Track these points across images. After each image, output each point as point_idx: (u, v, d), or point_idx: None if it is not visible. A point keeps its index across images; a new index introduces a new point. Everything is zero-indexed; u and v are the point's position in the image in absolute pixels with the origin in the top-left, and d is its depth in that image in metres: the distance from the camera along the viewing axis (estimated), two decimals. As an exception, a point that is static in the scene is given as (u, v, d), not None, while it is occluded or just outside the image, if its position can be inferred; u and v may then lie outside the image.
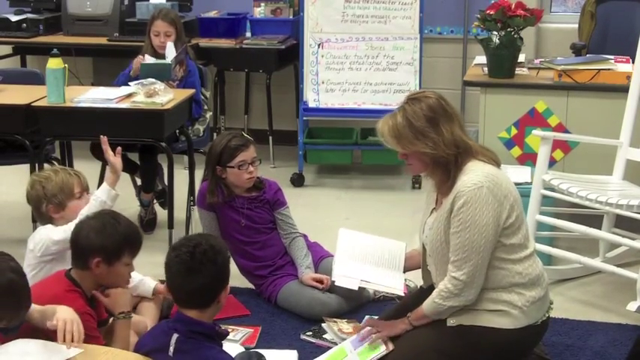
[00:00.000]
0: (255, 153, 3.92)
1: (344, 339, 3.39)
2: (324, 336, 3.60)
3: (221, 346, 2.83)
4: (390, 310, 3.38)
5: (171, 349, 2.69)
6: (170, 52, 4.80)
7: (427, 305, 3.00)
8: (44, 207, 3.38)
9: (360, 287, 3.49)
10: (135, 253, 3.00)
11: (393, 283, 3.40)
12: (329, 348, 3.39)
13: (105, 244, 2.89)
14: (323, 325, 3.67)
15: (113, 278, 2.96)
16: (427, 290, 3.17)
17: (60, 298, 2.82)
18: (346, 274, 3.37)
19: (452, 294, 2.91)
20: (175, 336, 2.70)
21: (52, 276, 3.07)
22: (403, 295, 3.50)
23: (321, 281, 3.82)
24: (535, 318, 2.99)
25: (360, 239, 3.56)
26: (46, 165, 4.44)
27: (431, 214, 3.09)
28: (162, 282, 3.70)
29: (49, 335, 2.66)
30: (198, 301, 2.73)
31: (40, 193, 3.38)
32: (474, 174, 2.89)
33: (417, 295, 3.26)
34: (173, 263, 2.73)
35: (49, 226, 3.38)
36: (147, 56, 4.84)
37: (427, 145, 2.89)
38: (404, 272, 3.45)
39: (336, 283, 3.45)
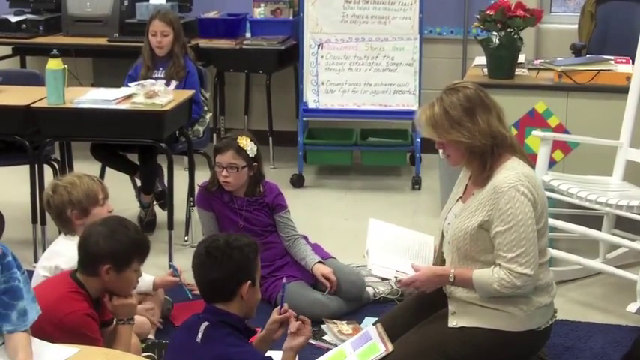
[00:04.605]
0: (235, 160, 3.85)
1: (344, 340, 3.39)
2: (323, 337, 3.61)
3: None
4: (396, 309, 3.36)
5: (200, 335, 2.71)
6: (157, 83, 4.60)
7: (480, 282, 2.92)
8: (69, 212, 3.31)
9: (394, 277, 3.45)
10: (144, 259, 2.98)
11: None
12: (329, 349, 3.39)
13: (115, 251, 2.86)
14: (323, 326, 3.67)
15: (121, 284, 2.93)
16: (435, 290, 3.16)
17: (65, 299, 2.82)
18: (382, 264, 3.36)
19: (515, 286, 2.88)
20: (205, 324, 2.73)
21: (57, 276, 3.05)
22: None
23: (328, 279, 3.82)
24: (538, 324, 2.99)
25: (390, 230, 3.54)
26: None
27: (457, 202, 3.10)
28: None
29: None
30: (218, 294, 2.76)
31: (65, 198, 3.31)
32: (513, 172, 2.90)
33: (424, 296, 3.24)
34: (194, 257, 2.81)
35: (72, 244, 3.25)
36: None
37: (462, 135, 2.90)
38: None
39: (372, 272, 3.43)
